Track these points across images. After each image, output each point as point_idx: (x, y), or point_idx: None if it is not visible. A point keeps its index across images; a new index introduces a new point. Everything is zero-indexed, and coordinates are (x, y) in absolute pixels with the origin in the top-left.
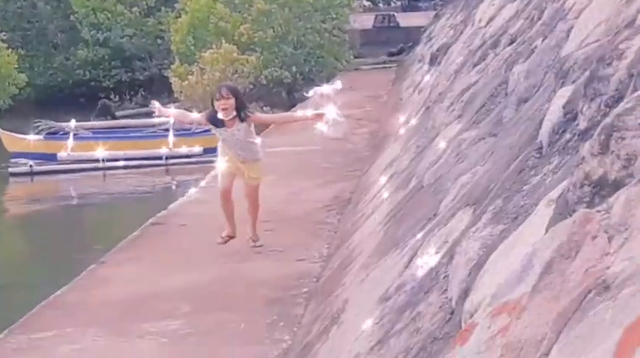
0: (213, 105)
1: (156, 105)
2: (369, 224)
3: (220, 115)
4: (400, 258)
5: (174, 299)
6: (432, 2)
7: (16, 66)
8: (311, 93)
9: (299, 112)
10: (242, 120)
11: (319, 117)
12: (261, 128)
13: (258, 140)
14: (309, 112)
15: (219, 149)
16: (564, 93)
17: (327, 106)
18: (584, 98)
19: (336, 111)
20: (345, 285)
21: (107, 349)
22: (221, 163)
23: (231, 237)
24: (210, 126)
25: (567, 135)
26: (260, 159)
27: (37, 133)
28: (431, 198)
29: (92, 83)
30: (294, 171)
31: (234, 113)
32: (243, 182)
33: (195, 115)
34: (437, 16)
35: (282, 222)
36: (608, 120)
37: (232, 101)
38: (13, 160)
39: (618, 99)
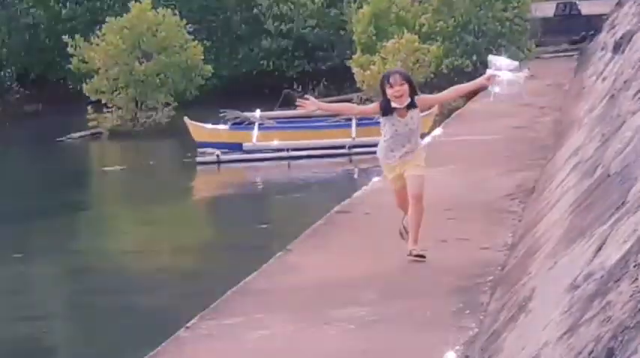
0: (383, 94)
1: (309, 100)
2: (555, 212)
3: (394, 104)
4: (588, 247)
5: (361, 286)
6: None
7: (202, 57)
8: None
9: (469, 83)
10: (415, 107)
11: (490, 80)
12: (441, 118)
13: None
14: (479, 79)
15: (382, 147)
16: None
17: (499, 66)
18: None
19: (511, 73)
20: (532, 274)
21: (295, 335)
22: (386, 168)
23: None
24: (381, 117)
25: None
26: (423, 149)
27: (223, 123)
28: (618, 187)
29: (275, 73)
30: (476, 160)
31: (409, 99)
32: (407, 179)
33: (361, 107)
34: (619, 4)
35: (465, 211)
36: None
37: (406, 87)
38: (200, 150)
39: None
